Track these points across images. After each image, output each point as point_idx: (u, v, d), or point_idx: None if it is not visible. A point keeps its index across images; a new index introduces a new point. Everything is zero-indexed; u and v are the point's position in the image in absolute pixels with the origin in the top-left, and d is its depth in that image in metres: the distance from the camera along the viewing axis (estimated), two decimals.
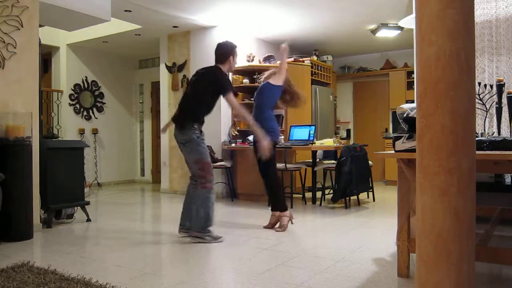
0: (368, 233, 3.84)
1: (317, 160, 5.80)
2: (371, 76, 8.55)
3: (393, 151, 2.41)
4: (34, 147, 3.85)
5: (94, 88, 7.97)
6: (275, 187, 4.10)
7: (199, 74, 3.72)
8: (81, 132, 7.68)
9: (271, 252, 3.19)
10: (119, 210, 5.43)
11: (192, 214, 3.51)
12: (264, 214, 4.88)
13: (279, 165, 5.40)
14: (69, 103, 7.58)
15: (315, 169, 5.64)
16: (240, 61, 6.56)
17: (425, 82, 1.43)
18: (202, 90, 3.59)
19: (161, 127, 4.60)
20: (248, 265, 2.87)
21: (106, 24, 5.47)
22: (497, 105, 3.32)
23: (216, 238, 3.53)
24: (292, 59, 6.77)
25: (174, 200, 6.16)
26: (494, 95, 3.48)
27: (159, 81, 7.20)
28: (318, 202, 5.64)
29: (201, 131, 3.57)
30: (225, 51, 3.72)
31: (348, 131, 8.71)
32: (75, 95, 7.66)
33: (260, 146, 3.73)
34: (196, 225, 3.50)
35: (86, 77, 7.85)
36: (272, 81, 4.18)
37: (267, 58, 6.68)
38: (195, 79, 3.71)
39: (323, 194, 5.79)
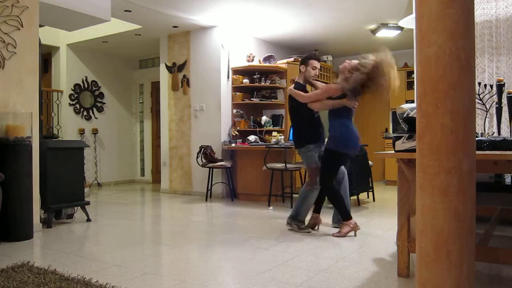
0: (368, 233, 3.84)
1: None
2: None
3: (393, 151, 2.41)
4: (34, 147, 3.84)
5: (94, 88, 7.97)
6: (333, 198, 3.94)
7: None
8: (81, 132, 7.68)
9: (271, 252, 3.19)
10: (119, 210, 5.43)
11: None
12: (264, 214, 4.89)
13: (278, 165, 5.40)
14: (69, 103, 7.58)
15: None
16: (240, 61, 6.59)
17: (425, 82, 1.43)
18: (293, 112, 4.05)
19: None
20: (248, 265, 2.87)
21: (106, 24, 5.47)
22: (497, 105, 3.32)
23: (301, 229, 3.88)
24: (292, 59, 6.76)
25: (174, 200, 6.16)
26: (494, 95, 3.48)
27: (159, 81, 7.20)
28: None
29: (315, 144, 3.95)
30: (300, 64, 4.21)
31: None
32: (75, 95, 7.66)
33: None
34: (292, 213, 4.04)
35: (86, 77, 7.85)
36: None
37: (267, 58, 6.68)
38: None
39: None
